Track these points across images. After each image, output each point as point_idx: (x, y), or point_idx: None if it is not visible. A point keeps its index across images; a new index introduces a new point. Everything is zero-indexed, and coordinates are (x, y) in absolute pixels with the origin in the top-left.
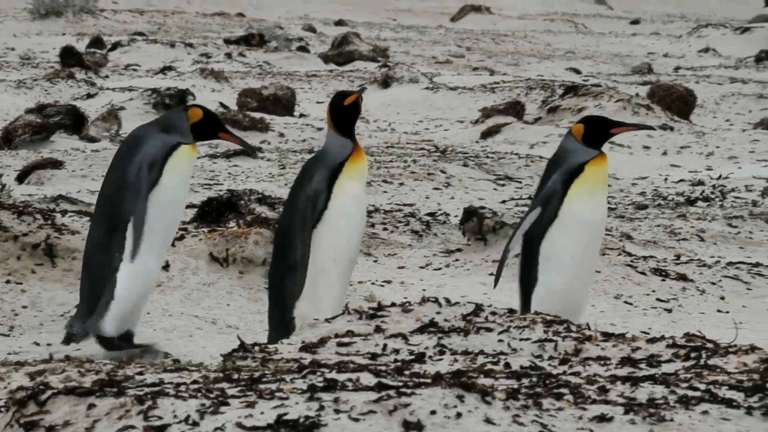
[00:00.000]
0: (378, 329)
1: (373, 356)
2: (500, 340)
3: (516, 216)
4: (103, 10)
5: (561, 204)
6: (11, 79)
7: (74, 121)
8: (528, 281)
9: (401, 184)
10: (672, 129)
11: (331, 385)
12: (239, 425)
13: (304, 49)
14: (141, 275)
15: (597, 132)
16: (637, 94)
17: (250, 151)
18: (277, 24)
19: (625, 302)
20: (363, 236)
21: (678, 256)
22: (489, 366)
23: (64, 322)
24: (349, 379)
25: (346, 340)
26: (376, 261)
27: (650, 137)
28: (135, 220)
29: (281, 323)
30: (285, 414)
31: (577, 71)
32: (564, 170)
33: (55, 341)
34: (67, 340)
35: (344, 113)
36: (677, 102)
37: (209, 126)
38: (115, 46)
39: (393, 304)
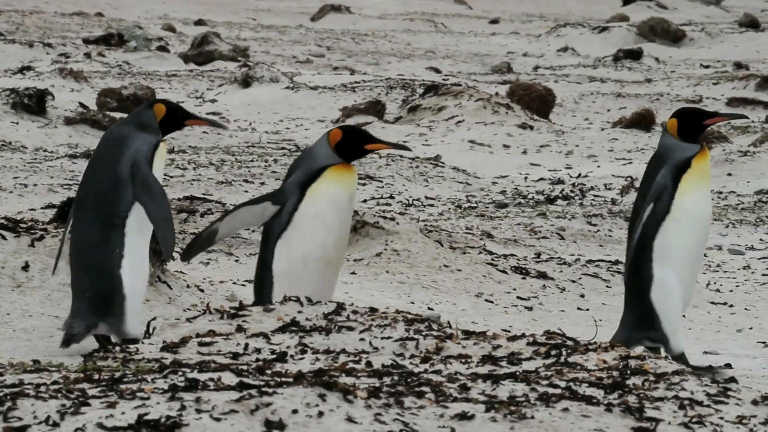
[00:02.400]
0: (239, 329)
1: (235, 356)
2: (362, 339)
3: (377, 215)
4: None
5: (672, 200)
6: None
7: None
8: (641, 278)
9: (262, 183)
10: (531, 128)
11: (192, 385)
12: (100, 425)
13: (163, 48)
14: (142, 270)
15: (691, 125)
16: (497, 93)
17: (222, 128)
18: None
19: (486, 300)
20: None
21: (538, 255)
22: (351, 365)
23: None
24: (211, 379)
25: (207, 339)
26: (237, 261)
27: (510, 136)
28: (154, 219)
29: None
30: (146, 414)
31: (438, 70)
32: (672, 165)
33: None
34: (67, 341)
35: (355, 145)
36: (537, 101)
37: (175, 118)
38: None
39: (255, 304)
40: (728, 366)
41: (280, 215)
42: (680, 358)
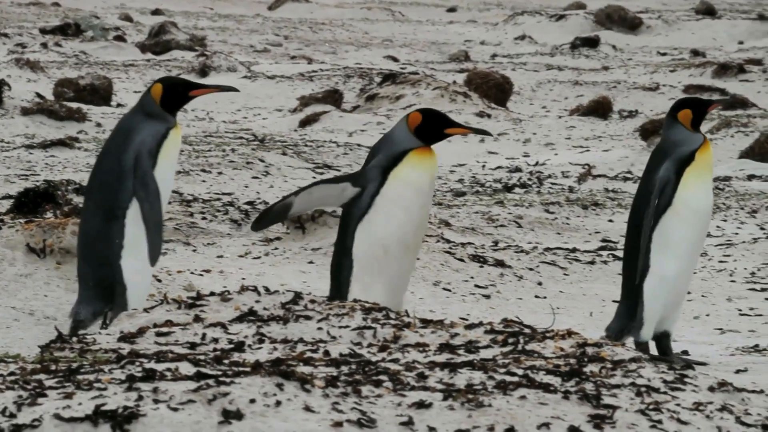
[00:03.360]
0: (197, 318)
1: (192, 345)
2: (319, 328)
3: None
4: None
5: (674, 193)
6: None
7: None
8: (636, 268)
9: (220, 173)
10: (489, 116)
11: (149, 375)
12: (57, 416)
13: (120, 38)
14: (144, 261)
15: (700, 113)
16: (454, 82)
17: (232, 90)
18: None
19: (444, 289)
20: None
21: (496, 243)
22: (308, 354)
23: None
24: (168, 369)
25: (164, 329)
26: (195, 250)
27: (467, 124)
28: (145, 219)
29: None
30: (103, 404)
31: (395, 59)
32: (675, 159)
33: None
34: (75, 328)
35: (436, 129)
36: (494, 89)
37: (176, 93)
38: None
39: (212, 294)
40: (685, 353)
41: (361, 198)
42: (643, 346)
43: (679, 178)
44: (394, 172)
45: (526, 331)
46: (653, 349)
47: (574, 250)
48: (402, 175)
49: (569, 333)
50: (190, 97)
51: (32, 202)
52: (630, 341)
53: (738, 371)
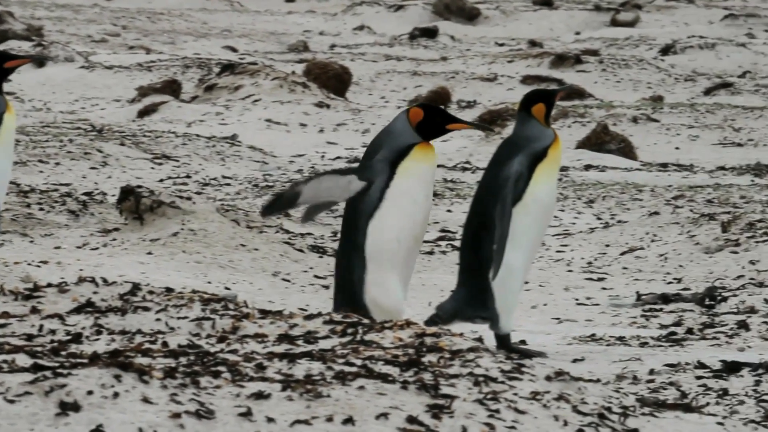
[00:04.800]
0: (34, 310)
1: (29, 337)
2: (158, 319)
3: (174, 194)
4: None
5: (526, 187)
6: None
7: None
8: (481, 257)
9: (57, 164)
10: (328, 106)
11: None
12: None
13: None
14: None
15: (550, 106)
16: (293, 72)
17: (45, 59)
18: None
19: (284, 279)
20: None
21: (335, 233)
22: (146, 345)
23: None
24: (5, 361)
25: (1, 321)
26: (32, 241)
27: (307, 115)
28: None
29: (344, 303)
30: None
31: (234, 49)
32: (529, 154)
33: None
34: None
35: (437, 124)
36: (333, 80)
37: (434, 122)
38: None
39: (49, 285)
40: (523, 342)
41: (369, 193)
42: (505, 338)
43: (532, 173)
44: (402, 166)
45: (365, 321)
46: (492, 341)
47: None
48: (410, 169)
49: (408, 323)
50: (6, 69)
51: None
52: (465, 327)
53: (575, 360)
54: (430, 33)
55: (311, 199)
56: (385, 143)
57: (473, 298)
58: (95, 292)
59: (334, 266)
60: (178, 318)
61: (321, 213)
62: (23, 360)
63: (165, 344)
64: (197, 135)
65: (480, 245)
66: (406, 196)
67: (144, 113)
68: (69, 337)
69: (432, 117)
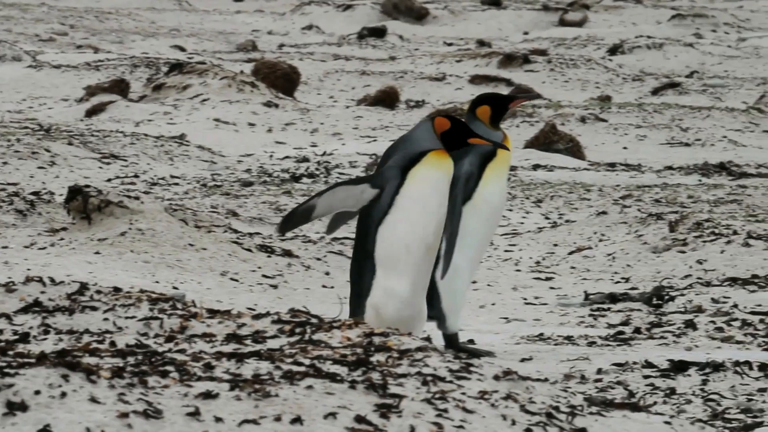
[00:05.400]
0: None
1: None
2: (106, 319)
3: (122, 194)
4: None
5: (476, 187)
6: None
7: None
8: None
9: (5, 163)
10: (277, 106)
11: None
12: None
13: None
14: None
15: (500, 110)
16: (241, 72)
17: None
18: None
19: (232, 279)
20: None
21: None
22: (94, 345)
23: None
24: None
25: None
26: None
27: (255, 114)
28: None
29: (356, 309)
30: None
31: (182, 49)
32: (479, 154)
33: None
34: None
35: (461, 137)
36: (282, 79)
37: (459, 134)
38: None
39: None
40: (471, 342)
41: (380, 200)
42: (453, 337)
43: (482, 173)
44: (413, 172)
45: (314, 321)
46: (440, 341)
47: None
48: (421, 175)
49: (356, 323)
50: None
51: None
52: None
53: (523, 360)
54: (379, 33)
55: (326, 211)
56: (399, 149)
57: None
58: (43, 292)
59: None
60: (126, 318)
61: (344, 224)
62: None
63: (113, 344)
64: (145, 134)
65: None
66: (418, 202)
67: (92, 113)
68: (16, 337)
69: (458, 129)
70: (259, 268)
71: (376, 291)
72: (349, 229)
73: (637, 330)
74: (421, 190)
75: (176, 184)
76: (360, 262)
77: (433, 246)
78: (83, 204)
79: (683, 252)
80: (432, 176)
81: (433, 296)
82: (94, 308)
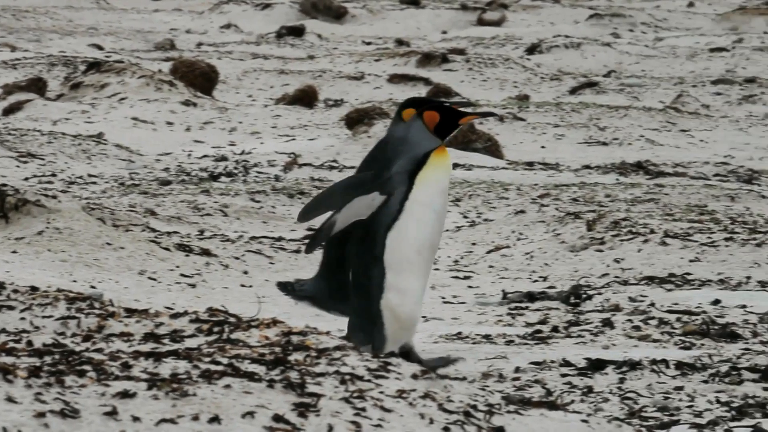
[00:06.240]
0: None
1: None
2: (22, 318)
3: (39, 193)
4: None
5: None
6: None
7: None
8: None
9: None
10: (195, 105)
11: None
12: None
13: None
14: None
15: (449, 123)
16: (160, 71)
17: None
18: None
19: (150, 278)
20: None
21: (202, 231)
22: (11, 344)
23: None
24: None
25: None
26: None
27: (173, 113)
28: None
29: (366, 313)
30: None
31: (100, 47)
32: (411, 158)
33: None
34: None
35: (452, 123)
36: (200, 78)
37: (449, 120)
38: None
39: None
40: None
41: (388, 205)
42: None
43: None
44: (421, 176)
45: (232, 320)
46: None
47: (280, 238)
48: (428, 178)
49: (274, 322)
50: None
51: None
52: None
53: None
54: (297, 31)
55: (345, 224)
56: (400, 152)
57: (332, 292)
58: None
59: (349, 272)
60: (43, 317)
61: (324, 241)
62: None
63: (30, 343)
64: (63, 133)
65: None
66: (426, 206)
67: (9, 111)
68: None
69: (447, 117)
70: (177, 267)
71: (389, 293)
72: (267, 228)
73: (555, 329)
74: (429, 193)
75: (94, 183)
76: (367, 267)
77: (436, 246)
78: (0, 203)
79: (601, 251)
80: (438, 178)
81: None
82: (10, 307)
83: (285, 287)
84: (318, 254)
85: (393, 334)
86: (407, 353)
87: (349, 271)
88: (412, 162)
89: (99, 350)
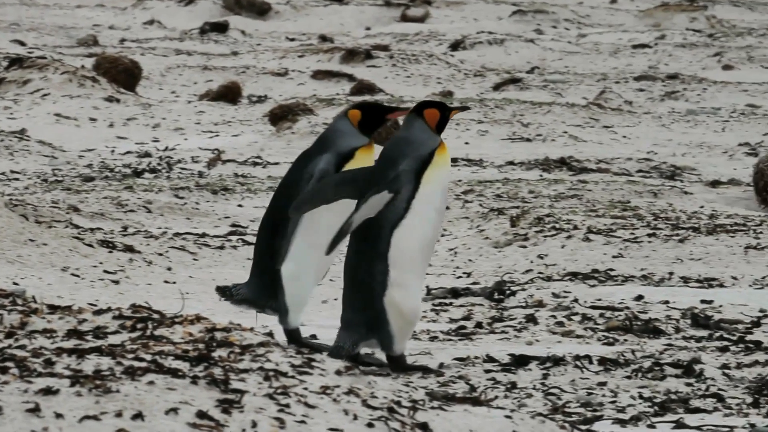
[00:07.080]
0: None
1: None
2: None
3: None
4: None
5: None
6: None
7: None
8: (276, 250)
9: None
10: (118, 101)
11: None
12: None
13: None
14: None
15: (375, 118)
16: (83, 66)
17: None
18: None
19: (73, 274)
20: None
21: (125, 228)
22: None
23: None
24: None
25: None
26: None
27: (96, 109)
28: None
29: (363, 308)
30: None
31: (23, 43)
32: (417, 157)
33: None
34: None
35: (445, 118)
36: (123, 74)
37: (444, 115)
38: None
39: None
40: (314, 337)
41: (394, 203)
42: (294, 333)
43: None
44: (427, 176)
45: (155, 316)
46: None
47: (203, 235)
48: (433, 177)
49: (198, 318)
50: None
51: None
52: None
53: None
54: (221, 28)
55: (360, 221)
56: (406, 153)
57: (265, 287)
58: None
59: (347, 268)
60: None
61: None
62: None
63: None
64: None
65: (275, 236)
66: (430, 204)
67: None
68: None
69: (442, 111)
70: (101, 263)
71: (392, 289)
72: (191, 224)
73: (479, 324)
74: (434, 191)
75: (16, 179)
76: (371, 264)
77: (435, 242)
78: None
79: (524, 247)
80: (440, 176)
81: (277, 290)
82: None
83: (224, 292)
84: (241, 252)
85: (399, 330)
86: (291, 334)
87: (281, 264)
88: (418, 161)
89: (22, 347)
